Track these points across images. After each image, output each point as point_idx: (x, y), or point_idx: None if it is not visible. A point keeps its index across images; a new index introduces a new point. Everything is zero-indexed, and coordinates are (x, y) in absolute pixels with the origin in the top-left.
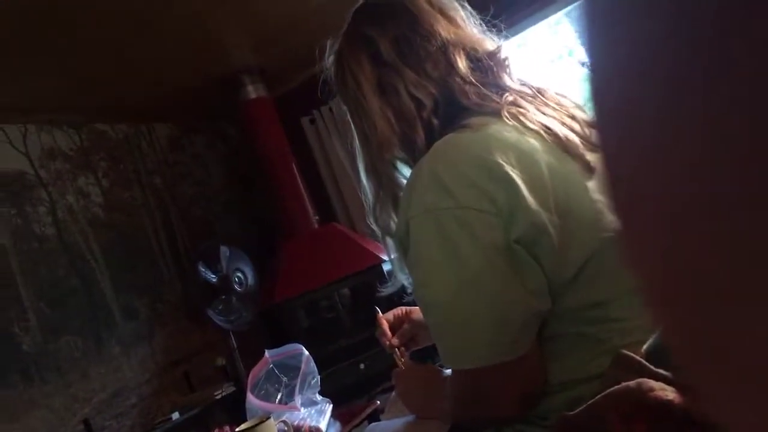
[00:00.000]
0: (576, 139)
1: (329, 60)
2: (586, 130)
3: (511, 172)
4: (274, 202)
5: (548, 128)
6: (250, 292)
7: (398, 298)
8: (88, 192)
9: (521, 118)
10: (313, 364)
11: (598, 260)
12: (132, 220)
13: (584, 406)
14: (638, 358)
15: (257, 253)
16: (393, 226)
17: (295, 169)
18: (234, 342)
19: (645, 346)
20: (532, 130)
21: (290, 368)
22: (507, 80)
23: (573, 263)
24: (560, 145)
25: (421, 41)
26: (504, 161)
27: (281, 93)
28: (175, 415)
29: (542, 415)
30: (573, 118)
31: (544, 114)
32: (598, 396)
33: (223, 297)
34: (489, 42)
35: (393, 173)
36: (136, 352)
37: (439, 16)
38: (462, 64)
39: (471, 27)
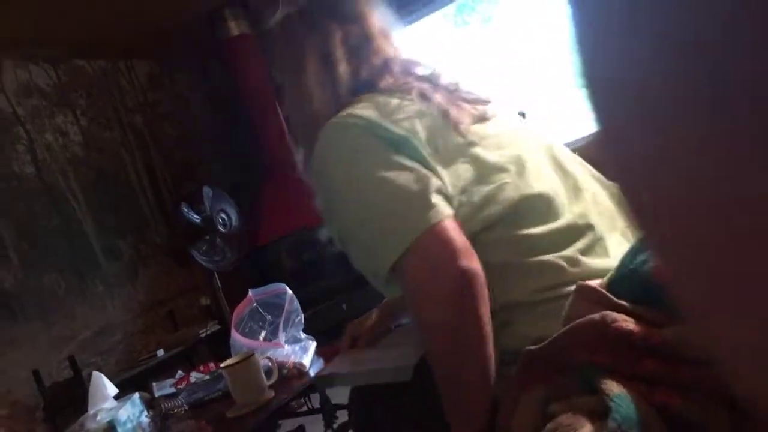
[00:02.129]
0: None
1: (276, 19)
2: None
3: (404, 120)
4: (258, 142)
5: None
6: (234, 233)
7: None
8: (66, 130)
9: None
10: (296, 302)
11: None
12: (113, 159)
13: (548, 339)
14: (600, 289)
15: (241, 194)
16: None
17: (278, 107)
18: (218, 282)
19: (606, 278)
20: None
21: (274, 307)
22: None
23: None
24: (442, 113)
25: (364, 43)
26: (395, 114)
27: (264, 30)
28: (160, 353)
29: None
30: (465, 100)
31: (436, 93)
32: (562, 330)
33: (207, 238)
34: (399, 35)
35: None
36: (120, 292)
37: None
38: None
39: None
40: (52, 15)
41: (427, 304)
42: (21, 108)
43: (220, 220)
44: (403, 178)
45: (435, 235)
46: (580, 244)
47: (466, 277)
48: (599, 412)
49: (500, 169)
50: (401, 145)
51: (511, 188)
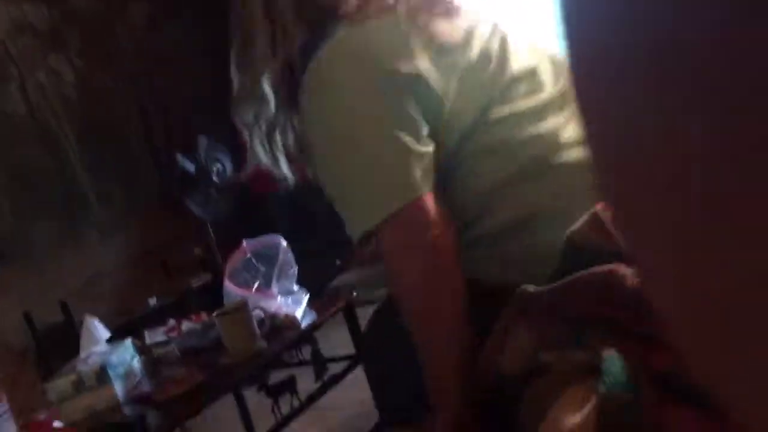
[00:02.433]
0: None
1: None
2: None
3: (406, 55)
4: None
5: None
6: (228, 183)
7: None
8: (60, 71)
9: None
10: (291, 255)
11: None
12: (106, 103)
13: (548, 287)
14: (612, 229)
15: (238, 145)
16: (250, 119)
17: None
18: (212, 232)
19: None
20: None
21: (268, 258)
22: None
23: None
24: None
25: None
26: (395, 48)
27: None
28: (152, 301)
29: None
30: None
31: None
32: (565, 279)
33: (202, 187)
34: None
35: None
36: (112, 239)
37: None
38: None
39: None
40: None
41: (402, 277)
42: (13, 46)
43: (215, 169)
44: (390, 145)
45: (412, 211)
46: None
47: (438, 251)
48: (589, 369)
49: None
50: (406, 88)
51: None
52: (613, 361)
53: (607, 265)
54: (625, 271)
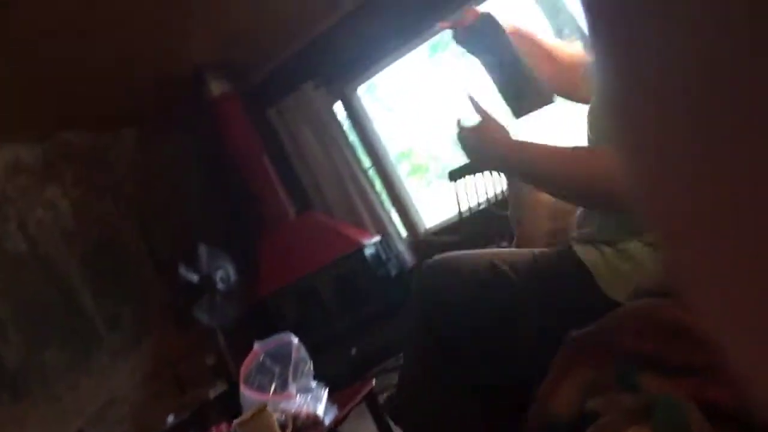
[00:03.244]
0: None
1: None
2: None
3: None
4: (250, 196)
5: None
6: (233, 289)
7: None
8: (56, 203)
9: None
10: (304, 351)
11: None
12: (106, 228)
13: (593, 324)
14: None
15: (238, 249)
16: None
17: (266, 161)
18: (223, 339)
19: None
20: None
21: (282, 358)
22: None
23: None
24: None
25: None
26: None
27: (247, 87)
28: (170, 419)
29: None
30: None
31: None
32: (609, 314)
33: (207, 296)
34: None
35: None
36: (125, 361)
37: None
38: None
39: None
40: (35, 93)
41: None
42: (10, 187)
43: (219, 277)
44: None
45: None
46: None
47: None
48: (640, 412)
49: None
50: None
51: None
52: (668, 404)
53: (646, 299)
54: (664, 302)
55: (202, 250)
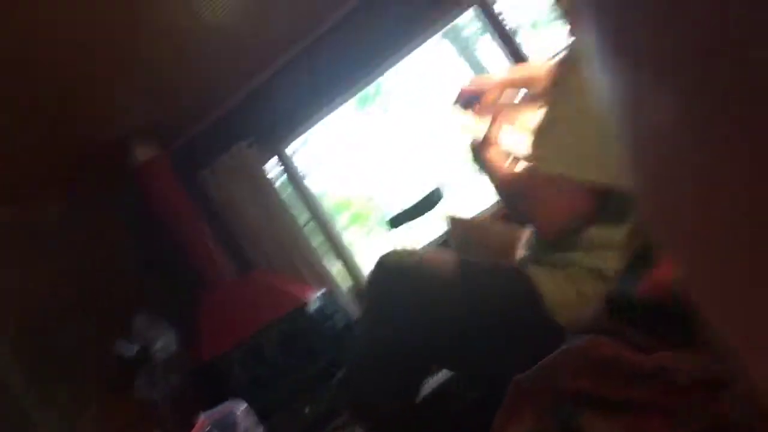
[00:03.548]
0: None
1: None
2: None
3: None
4: (187, 259)
5: None
6: (174, 357)
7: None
8: None
9: None
10: (252, 416)
11: None
12: (35, 307)
13: (536, 367)
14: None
15: (179, 314)
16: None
17: (201, 223)
18: (167, 411)
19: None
20: None
21: (229, 426)
22: None
23: None
24: None
25: None
26: None
27: (177, 148)
28: None
29: None
30: None
31: None
32: (550, 355)
33: (146, 367)
34: None
35: None
36: None
37: None
38: None
39: None
40: None
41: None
42: None
43: (158, 346)
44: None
45: None
46: None
47: None
48: None
49: None
50: None
51: None
52: None
53: (586, 336)
54: (602, 340)
55: (140, 320)
